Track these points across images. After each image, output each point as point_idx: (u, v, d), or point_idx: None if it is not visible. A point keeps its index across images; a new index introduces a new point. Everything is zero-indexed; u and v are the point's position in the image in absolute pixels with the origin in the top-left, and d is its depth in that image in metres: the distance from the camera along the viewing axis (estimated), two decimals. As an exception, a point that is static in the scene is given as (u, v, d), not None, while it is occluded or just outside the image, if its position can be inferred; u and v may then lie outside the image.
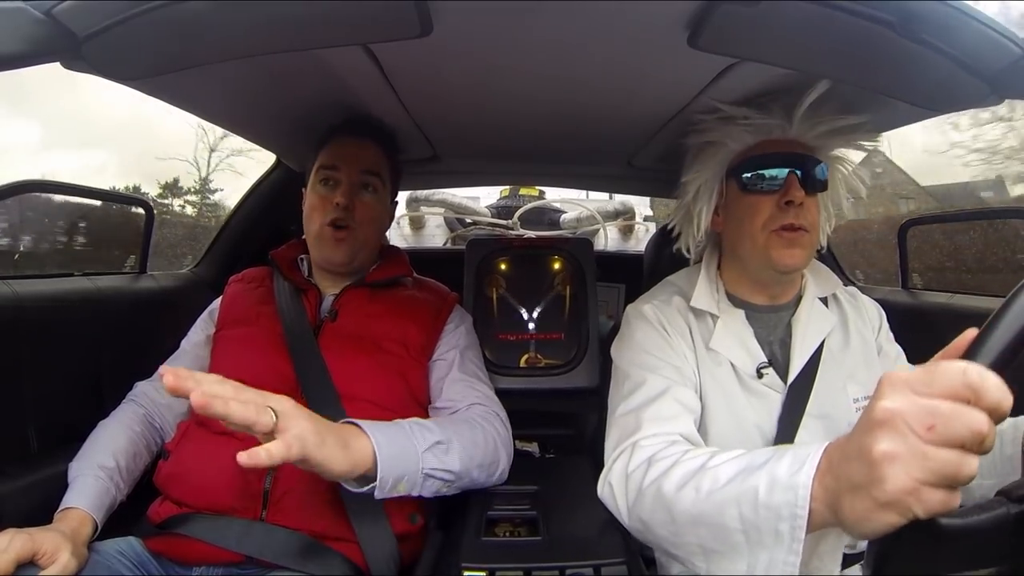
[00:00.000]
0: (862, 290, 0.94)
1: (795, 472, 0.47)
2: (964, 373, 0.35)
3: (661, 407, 0.73)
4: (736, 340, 0.79)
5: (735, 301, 0.83)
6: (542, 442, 1.20)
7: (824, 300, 0.85)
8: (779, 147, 0.78)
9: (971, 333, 0.38)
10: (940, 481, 0.35)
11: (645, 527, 0.64)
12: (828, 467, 0.45)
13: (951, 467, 0.35)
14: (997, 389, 0.34)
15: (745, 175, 0.79)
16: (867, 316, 0.86)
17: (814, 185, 0.77)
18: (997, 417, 0.35)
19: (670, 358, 0.78)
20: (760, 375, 0.78)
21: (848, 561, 0.74)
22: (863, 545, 0.73)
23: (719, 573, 0.54)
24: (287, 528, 0.75)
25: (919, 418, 0.36)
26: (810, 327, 0.81)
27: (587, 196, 3.03)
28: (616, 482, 0.69)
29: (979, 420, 0.34)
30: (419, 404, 0.91)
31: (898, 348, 0.85)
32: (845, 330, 0.83)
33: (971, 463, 0.35)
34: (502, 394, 0.98)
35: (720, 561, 0.54)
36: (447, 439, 0.75)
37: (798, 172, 0.76)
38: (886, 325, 0.86)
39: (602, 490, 0.72)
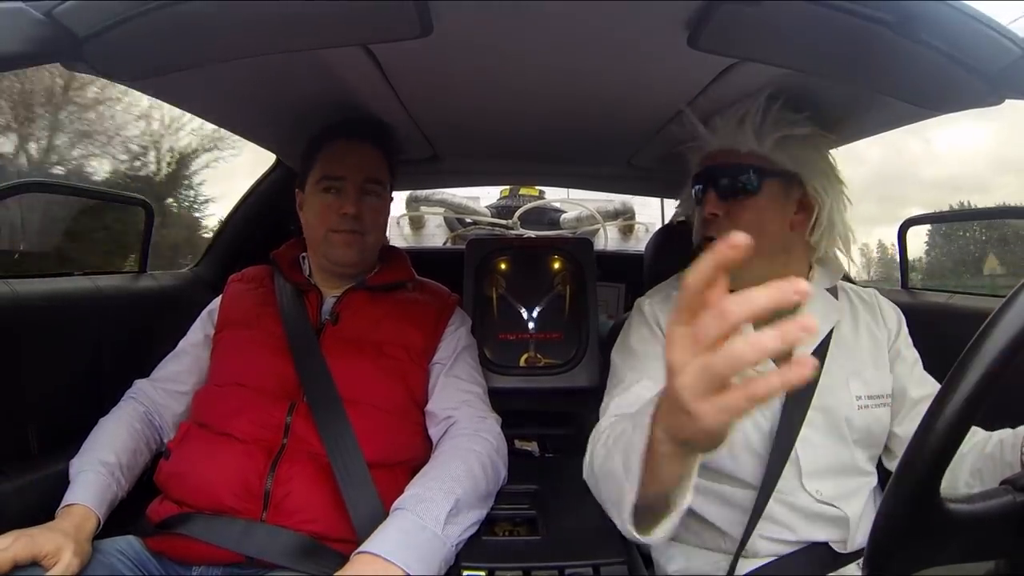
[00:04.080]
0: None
1: (647, 412, 0.49)
2: (686, 288, 0.38)
3: (627, 396, 0.74)
4: None
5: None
6: (541, 442, 1.20)
7: (832, 291, 0.84)
8: (708, 160, 0.82)
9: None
10: (720, 374, 0.37)
11: (596, 496, 0.68)
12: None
13: (714, 360, 0.37)
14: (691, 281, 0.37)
15: (692, 190, 0.85)
16: (883, 318, 0.85)
17: (732, 195, 0.78)
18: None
19: (654, 352, 0.79)
20: None
21: (844, 560, 0.74)
22: (860, 542, 0.74)
23: (618, 522, 0.57)
24: (288, 529, 0.75)
25: (688, 339, 0.38)
26: (816, 317, 0.80)
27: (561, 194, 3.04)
28: (584, 471, 0.73)
29: (723, 313, 0.36)
30: (419, 407, 0.91)
31: (916, 354, 0.84)
32: (855, 325, 0.83)
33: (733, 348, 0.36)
34: (502, 393, 0.98)
35: (617, 508, 0.57)
36: (455, 500, 0.71)
37: (716, 185, 0.79)
38: (905, 330, 0.85)
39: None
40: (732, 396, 0.37)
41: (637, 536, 0.54)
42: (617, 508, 0.56)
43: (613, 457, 0.58)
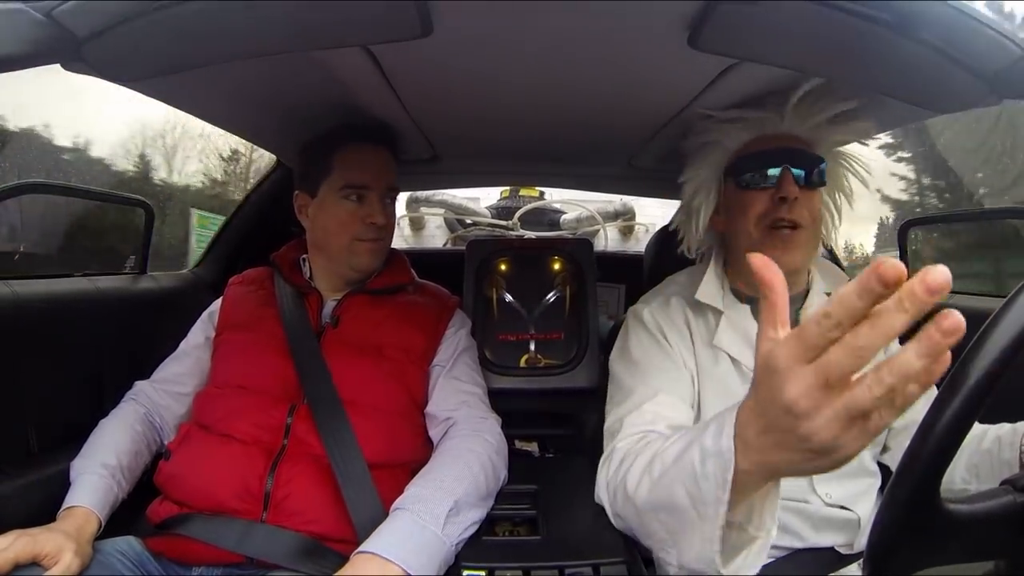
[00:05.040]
0: None
1: (717, 437, 0.47)
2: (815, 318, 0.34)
3: (643, 413, 0.74)
4: (740, 335, 0.79)
5: (740, 296, 0.83)
6: (542, 442, 1.20)
7: (830, 295, 0.85)
8: (774, 143, 0.78)
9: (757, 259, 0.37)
10: (857, 411, 0.34)
11: (626, 525, 0.67)
12: (742, 428, 0.45)
13: (858, 399, 0.34)
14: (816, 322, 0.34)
15: (741, 173, 0.79)
16: None
17: (810, 180, 0.76)
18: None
19: (662, 364, 0.79)
20: None
21: (845, 560, 0.74)
22: (861, 544, 0.74)
23: (687, 559, 0.54)
24: (288, 529, 0.75)
25: (808, 382, 0.35)
26: None
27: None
28: (601, 491, 0.72)
29: (858, 351, 0.33)
30: (419, 408, 0.91)
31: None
32: None
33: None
34: (502, 394, 0.97)
35: (683, 543, 0.54)
36: (454, 500, 0.72)
37: (792, 167, 0.76)
38: None
39: (596, 495, 0.75)
40: (879, 418, 0.34)
41: (723, 570, 0.49)
42: (679, 540, 0.54)
43: (673, 490, 0.54)
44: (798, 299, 0.83)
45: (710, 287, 0.82)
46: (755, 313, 0.81)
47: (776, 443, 0.40)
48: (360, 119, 0.97)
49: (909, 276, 0.31)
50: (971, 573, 0.40)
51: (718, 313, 0.80)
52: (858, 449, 0.36)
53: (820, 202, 0.79)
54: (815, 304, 0.81)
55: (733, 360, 0.78)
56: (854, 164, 0.84)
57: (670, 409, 0.74)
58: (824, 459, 0.37)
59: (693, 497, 0.51)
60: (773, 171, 0.76)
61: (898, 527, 0.37)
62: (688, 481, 0.51)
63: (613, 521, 0.71)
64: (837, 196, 0.84)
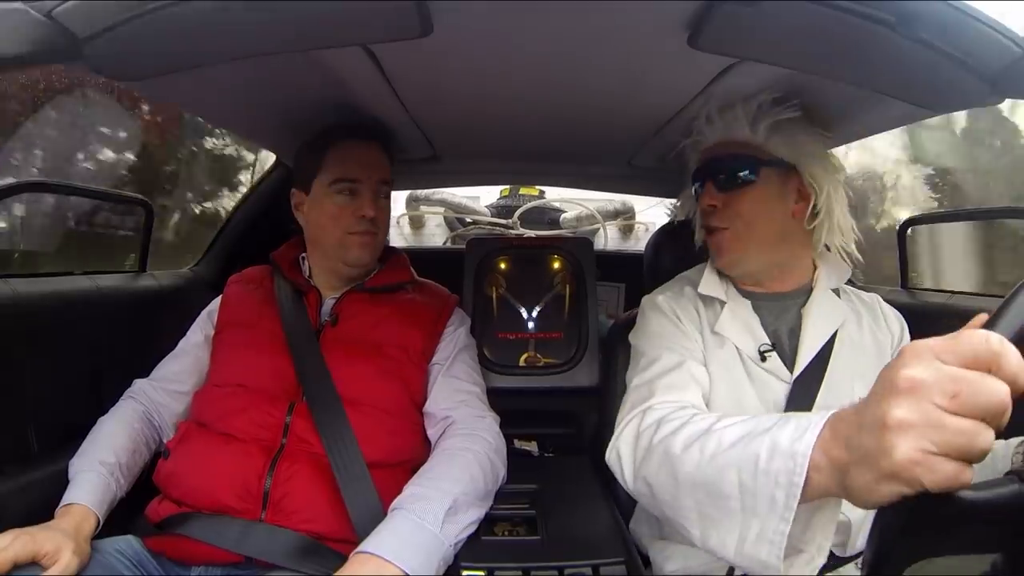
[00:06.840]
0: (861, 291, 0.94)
1: (796, 439, 0.45)
2: (987, 340, 0.34)
3: (673, 377, 0.74)
4: (741, 324, 0.81)
5: (741, 291, 0.84)
6: (541, 441, 1.20)
7: (836, 292, 0.85)
8: (709, 153, 0.84)
9: (982, 318, 0.37)
10: (953, 452, 0.34)
11: (649, 489, 0.63)
12: (833, 436, 0.43)
13: (965, 437, 0.34)
14: (1017, 358, 0.34)
15: (694, 181, 0.87)
16: (886, 323, 0.85)
17: (727, 185, 0.80)
18: (1016, 391, 0.34)
19: (682, 340, 0.80)
20: (763, 358, 0.78)
21: (841, 562, 0.74)
22: (859, 546, 0.74)
23: (711, 543, 0.53)
24: (287, 529, 0.75)
25: (943, 386, 0.34)
26: (822, 317, 0.81)
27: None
28: (625, 444, 0.69)
29: (1002, 389, 0.33)
30: (418, 407, 0.91)
31: None
32: (859, 327, 0.83)
33: (987, 435, 0.34)
34: (501, 393, 0.97)
35: (713, 529, 0.53)
36: (452, 500, 0.72)
37: (713, 177, 0.82)
38: (908, 337, 0.84)
39: (609, 455, 0.71)
40: (966, 474, 0.34)
41: (780, 567, 0.47)
42: (708, 524, 0.53)
43: (724, 473, 0.52)
44: (800, 295, 0.83)
45: (711, 280, 0.85)
46: (755, 308, 0.82)
47: (861, 454, 0.38)
48: (359, 118, 0.97)
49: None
50: (970, 572, 0.39)
51: (722, 303, 0.83)
52: (907, 489, 0.35)
53: (757, 201, 0.79)
54: (819, 301, 0.81)
55: (736, 348, 0.79)
56: (828, 173, 0.81)
57: (700, 374, 0.76)
58: (888, 485, 0.36)
59: (744, 487, 0.49)
60: (701, 184, 0.84)
61: (902, 513, 0.37)
62: (745, 470, 0.49)
63: (629, 484, 0.67)
64: (820, 184, 0.81)
